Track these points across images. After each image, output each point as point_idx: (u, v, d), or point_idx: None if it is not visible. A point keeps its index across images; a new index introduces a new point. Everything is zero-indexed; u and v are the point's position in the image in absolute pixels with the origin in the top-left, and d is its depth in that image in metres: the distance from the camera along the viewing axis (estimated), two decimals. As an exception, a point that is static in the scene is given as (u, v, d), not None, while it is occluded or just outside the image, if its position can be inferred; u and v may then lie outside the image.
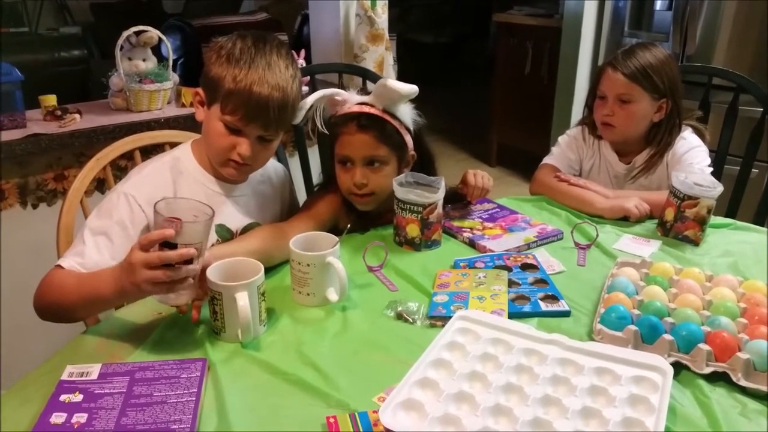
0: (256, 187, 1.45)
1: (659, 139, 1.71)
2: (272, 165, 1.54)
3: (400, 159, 1.47)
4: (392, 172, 1.45)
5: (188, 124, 1.99)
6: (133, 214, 1.26)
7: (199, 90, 1.33)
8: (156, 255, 0.97)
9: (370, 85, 2.00)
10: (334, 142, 1.45)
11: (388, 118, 1.42)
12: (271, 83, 1.24)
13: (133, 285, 0.99)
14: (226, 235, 1.36)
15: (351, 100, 1.44)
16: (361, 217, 1.49)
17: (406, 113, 1.46)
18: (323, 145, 1.89)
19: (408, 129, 1.46)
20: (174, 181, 1.33)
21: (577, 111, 3.50)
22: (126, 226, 1.25)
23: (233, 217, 1.38)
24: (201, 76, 1.32)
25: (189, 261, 0.99)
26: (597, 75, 1.74)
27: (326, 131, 1.44)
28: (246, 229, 1.39)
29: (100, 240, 1.22)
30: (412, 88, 1.38)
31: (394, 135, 1.43)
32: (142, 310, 1.16)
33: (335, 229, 1.43)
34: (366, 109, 1.42)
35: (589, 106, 1.79)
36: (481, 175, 1.58)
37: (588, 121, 1.81)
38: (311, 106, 1.39)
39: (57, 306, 1.16)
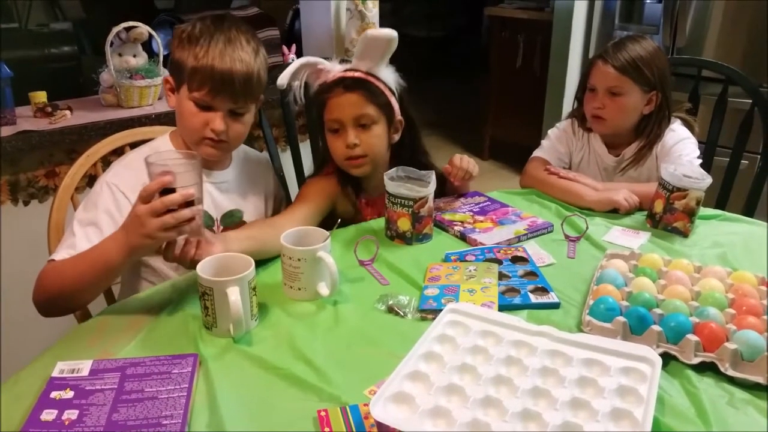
0: (237, 176, 1.47)
1: (649, 131, 1.72)
2: (254, 154, 1.58)
3: (389, 121, 1.51)
4: (382, 133, 1.49)
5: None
6: (117, 202, 1.28)
7: (168, 77, 1.36)
8: (159, 201, 1.01)
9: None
10: (322, 112, 1.49)
11: (372, 79, 1.48)
12: (233, 56, 1.28)
13: (144, 236, 1.03)
14: (208, 221, 1.38)
15: (334, 68, 1.49)
16: (357, 192, 1.55)
17: (389, 76, 1.51)
18: (314, 131, 1.94)
19: (392, 91, 1.51)
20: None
21: (569, 104, 3.50)
22: (113, 214, 1.27)
23: (215, 203, 1.40)
24: (168, 63, 1.36)
25: (191, 203, 1.04)
26: (587, 67, 1.74)
27: (307, 101, 1.52)
28: (227, 216, 1.40)
29: (90, 230, 1.24)
30: (391, 32, 1.43)
31: (380, 94, 1.48)
32: (134, 306, 1.16)
33: (333, 214, 1.51)
34: (350, 73, 1.47)
35: (579, 98, 1.80)
36: (467, 160, 1.59)
37: (578, 114, 1.82)
38: (295, 75, 1.46)
39: (59, 295, 1.16)
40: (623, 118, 1.70)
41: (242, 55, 1.30)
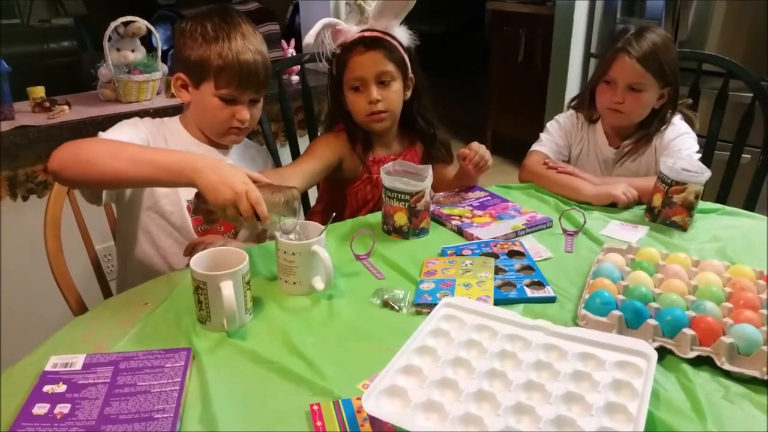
0: (237, 160, 1.50)
1: (651, 124, 1.70)
2: (254, 143, 1.65)
3: (404, 77, 1.59)
4: (400, 89, 1.58)
5: (178, 113, 1.98)
6: (140, 129, 1.36)
7: (180, 75, 1.40)
8: (249, 210, 1.07)
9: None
10: (343, 72, 1.56)
11: (388, 38, 1.56)
12: (252, 49, 1.35)
13: (215, 194, 1.07)
14: None
15: (351, 29, 1.58)
16: (365, 150, 1.61)
17: (403, 35, 1.60)
18: (313, 125, 2.00)
19: (405, 50, 1.58)
20: (165, 138, 1.41)
21: (570, 98, 3.49)
22: (138, 127, 1.35)
23: None
24: (177, 62, 1.41)
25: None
26: (606, 59, 1.67)
27: (334, 60, 1.58)
28: None
29: (115, 130, 1.32)
30: None
31: (397, 51, 1.56)
32: (129, 301, 1.16)
33: (341, 169, 1.60)
34: (368, 33, 1.56)
35: (592, 89, 1.74)
36: (485, 149, 1.60)
37: (584, 105, 1.79)
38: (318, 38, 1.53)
39: (86, 162, 1.14)
40: (640, 113, 1.68)
41: (258, 47, 1.38)
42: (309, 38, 1.52)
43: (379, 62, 1.53)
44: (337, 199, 1.68)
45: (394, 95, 1.56)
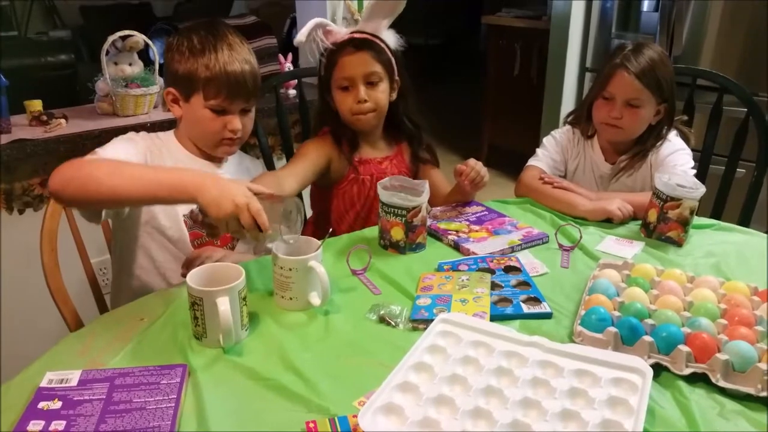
0: (234, 173, 1.51)
1: (647, 140, 1.71)
2: (249, 157, 1.67)
3: (391, 79, 1.63)
4: (386, 89, 1.63)
5: (174, 127, 1.99)
6: (138, 143, 1.39)
7: (171, 90, 1.43)
8: (248, 221, 1.07)
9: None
10: (331, 71, 1.60)
11: (377, 40, 1.60)
12: (239, 59, 1.37)
13: (217, 203, 1.07)
14: None
15: (341, 31, 1.62)
16: (351, 147, 1.65)
17: (391, 38, 1.64)
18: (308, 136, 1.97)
19: (392, 52, 1.64)
20: (160, 151, 1.42)
21: (566, 111, 3.49)
22: (135, 141, 1.39)
23: None
24: (167, 76, 1.44)
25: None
26: (605, 75, 1.67)
27: (323, 60, 1.61)
28: None
29: (112, 145, 1.34)
30: None
31: (384, 53, 1.61)
32: (125, 316, 1.16)
33: (329, 171, 1.64)
34: (357, 34, 1.60)
35: (589, 105, 1.75)
36: (482, 165, 1.60)
37: (580, 121, 1.80)
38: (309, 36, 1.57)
39: (86, 177, 1.14)
40: (637, 128, 1.69)
41: (246, 56, 1.39)
42: (301, 36, 1.56)
43: (367, 63, 1.57)
44: (324, 202, 1.70)
45: (380, 95, 1.60)
